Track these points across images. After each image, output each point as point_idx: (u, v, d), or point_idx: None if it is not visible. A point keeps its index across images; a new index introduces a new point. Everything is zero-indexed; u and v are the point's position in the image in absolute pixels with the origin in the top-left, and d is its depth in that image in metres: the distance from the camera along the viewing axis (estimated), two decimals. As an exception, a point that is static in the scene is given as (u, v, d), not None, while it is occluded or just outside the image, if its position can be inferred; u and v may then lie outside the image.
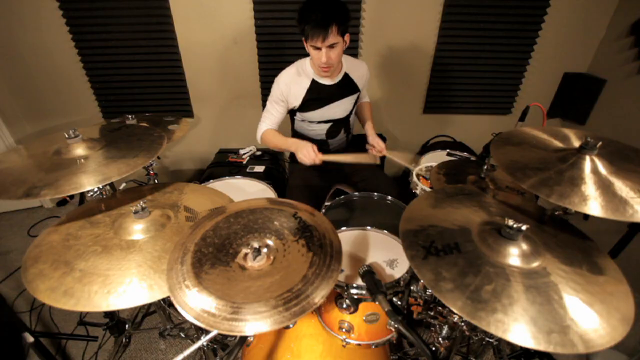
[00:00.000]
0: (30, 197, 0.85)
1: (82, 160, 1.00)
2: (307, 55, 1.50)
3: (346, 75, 1.54)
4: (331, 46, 1.30)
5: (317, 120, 1.58)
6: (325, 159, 1.40)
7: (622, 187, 0.77)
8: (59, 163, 0.99)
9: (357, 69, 1.57)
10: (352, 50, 2.11)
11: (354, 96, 1.59)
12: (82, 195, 1.74)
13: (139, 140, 1.12)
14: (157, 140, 1.12)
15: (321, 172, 1.69)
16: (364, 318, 1.04)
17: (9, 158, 1.05)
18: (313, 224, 0.88)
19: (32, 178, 0.91)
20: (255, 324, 0.63)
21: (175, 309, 0.71)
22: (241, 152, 2.27)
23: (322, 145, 1.68)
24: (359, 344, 1.08)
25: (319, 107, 1.53)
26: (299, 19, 1.30)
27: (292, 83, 1.47)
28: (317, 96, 1.51)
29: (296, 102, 1.51)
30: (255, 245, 0.78)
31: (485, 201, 0.97)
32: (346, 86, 1.55)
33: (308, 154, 1.37)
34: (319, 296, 0.69)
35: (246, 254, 0.78)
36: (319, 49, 1.31)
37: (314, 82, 1.49)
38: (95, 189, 1.13)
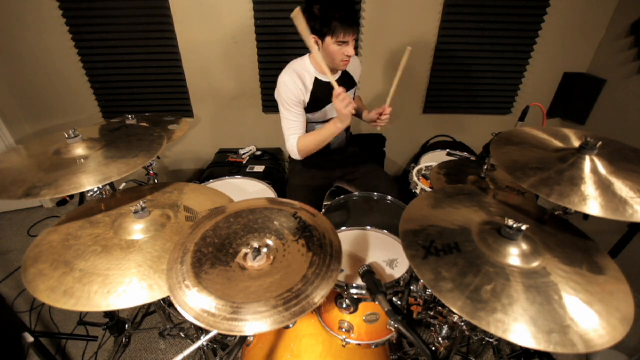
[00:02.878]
0: (30, 197, 0.85)
1: (82, 160, 1.00)
2: (306, 54, 1.50)
3: (345, 71, 1.54)
4: (354, 39, 1.32)
5: (321, 121, 1.57)
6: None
7: (622, 187, 0.77)
8: (58, 163, 0.99)
9: (352, 63, 1.56)
10: (352, 50, 2.12)
11: (353, 91, 1.60)
12: (82, 195, 1.74)
13: (139, 140, 1.12)
14: (157, 140, 1.12)
15: (321, 171, 1.69)
16: (364, 318, 1.04)
17: (9, 158, 1.05)
18: (313, 224, 0.88)
19: (32, 178, 0.91)
20: (255, 324, 0.63)
21: (175, 309, 0.71)
22: (241, 152, 2.27)
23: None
24: (359, 344, 1.08)
25: (323, 106, 1.52)
26: (323, 17, 1.26)
27: (300, 82, 1.43)
28: (321, 94, 1.49)
29: (306, 101, 1.49)
30: (255, 245, 0.78)
31: (485, 201, 0.97)
32: (346, 81, 1.54)
33: (346, 103, 1.27)
34: (319, 296, 0.69)
35: (246, 254, 0.78)
36: (345, 43, 1.30)
37: (317, 80, 1.47)
38: (95, 189, 1.13)
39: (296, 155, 1.49)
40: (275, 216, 0.90)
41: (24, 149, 1.12)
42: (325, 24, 1.27)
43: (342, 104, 1.26)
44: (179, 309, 0.67)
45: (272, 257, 0.78)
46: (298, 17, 1.16)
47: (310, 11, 1.29)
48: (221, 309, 0.66)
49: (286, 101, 1.43)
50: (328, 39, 1.30)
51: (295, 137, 1.46)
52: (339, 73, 1.52)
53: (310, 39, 1.24)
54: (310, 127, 1.60)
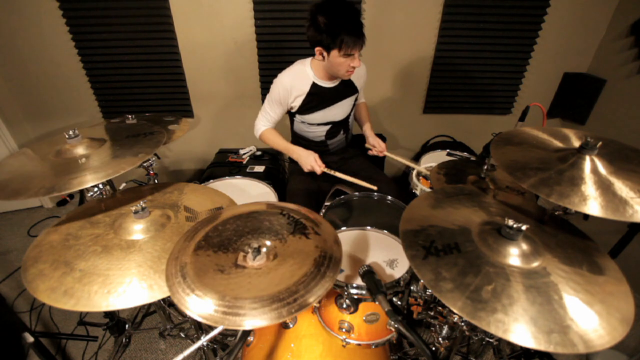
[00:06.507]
0: (33, 197, 0.86)
1: (84, 159, 1.00)
2: (306, 56, 1.50)
3: None
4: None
5: (317, 123, 1.58)
6: (327, 172, 1.43)
7: (622, 187, 0.77)
8: (61, 163, 1.00)
9: (357, 70, 1.56)
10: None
11: (353, 97, 1.59)
12: (82, 195, 1.74)
13: (137, 137, 1.13)
14: (156, 137, 1.12)
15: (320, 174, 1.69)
16: (364, 318, 1.04)
17: (14, 161, 1.06)
18: (301, 217, 0.89)
19: (37, 179, 0.92)
20: (255, 320, 0.63)
21: (176, 309, 0.71)
22: (241, 152, 2.27)
23: (321, 146, 1.68)
24: (359, 344, 1.07)
25: (319, 110, 1.53)
26: (330, 30, 1.24)
27: (293, 85, 1.47)
28: (317, 99, 1.50)
29: (296, 104, 1.51)
30: (255, 245, 0.78)
31: (485, 201, 0.97)
32: (346, 88, 1.55)
33: (311, 167, 1.44)
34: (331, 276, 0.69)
35: (245, 255, 0.78)
36: (351, 55, 1.31)
37: (314, 84, 1.48)
38: (96, 189, 1.13)
39: (257, 135, 1.62)
40: (264, 217, 0.90)
41: (30, 151, 1.13)
42: (332, 37, 1.25)
43: (308, 164, 1.44)
44: (182, 307, 0.67)
45: (272, 256, 0.78)
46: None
47: (315, 22, 1.27)
48: (221, 308, 0.65)
49: (272, 96, 1.51)
50: (334, 52, 1.30)
51: (264, 125, 1.59)
52: (338, 80, 1.52)
53: (318, 50, 1.34)
54: (306, 127, 1.61)
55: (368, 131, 1.67)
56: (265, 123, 1.58)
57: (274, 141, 1.57)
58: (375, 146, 1.58)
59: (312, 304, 0.67)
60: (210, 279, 0.71)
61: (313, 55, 1.41)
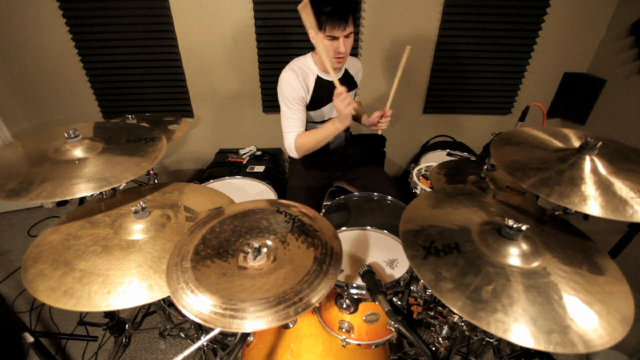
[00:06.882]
0: (16, 198, 0.83)
1: (77, 161, 0.99)
2: (306, 53, 1.50)
3: (346, 72, 1.54)
4: (347, 36, 1.30)
5: (320, 120, 1.58)
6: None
7: (622, 187, 0.77)
8: (54, 163, 0.98)
9: (354, 66, 1.58)
10: (352, 50, 2.11)
11: (353, 92, 1.60)
12: (82, 195, 1.74)
13: (137, 142, 1.11)
14: (156, 146, 1.10)
15: (321, 171, 1.69)
16: (364, 318, 1.04)
17: (2, 153, 1.03)
18: (299, 214, 0.89)
19: (23, 177, 0.90)
20: (256, 321, 0.63)
21: (176, 309, 0.71)
22: (241, 152, 2.27)
23: (323, 145, 1.67)
24: (359, 344, 1.07)
25: (323, 105, 1.52)
26: (313, 9, 1.23)
27: (302, 77, 1.43)
28: (322, 93, 1.49)
29: (307, 98, 1.48)
30: (256, 244, 0.78)
31: (485, 201, 0.97)
32: (347, 82, 1.54)
33: (347, 103, 1.25)
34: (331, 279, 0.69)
35: (245, 255, 0.78)
36: (336, 38, 1.29)
37: (318, 78, 1.47)
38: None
39: (294, 153, 1.47)
40: (261, 216, 0.90)
41: (21, 145, 1.11)
42: (314, 16, 1.25)
43: (342, 103, 1.26)
44: (181, 308, 0.67)
45: (273, 255, 0.78)
46: (304, 10, 1.13)
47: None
48: (222, 308, 0.65)
49: (287, 98, 1.41)
50: (320, 34, 1.29)
51: (294, 135, 1.44)
52: (342, 72, 1.52)
53: (310, 33, 1.26)
54: (308, 126, 1.60)
55: (366, 117, 1.58)
56: (295, 131, 1.43)
57: (312, 139, 1.40)
58: (379, 117, 1.44)
59: (315, 303, 0.67)
60: (213, 283, 0.71)
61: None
